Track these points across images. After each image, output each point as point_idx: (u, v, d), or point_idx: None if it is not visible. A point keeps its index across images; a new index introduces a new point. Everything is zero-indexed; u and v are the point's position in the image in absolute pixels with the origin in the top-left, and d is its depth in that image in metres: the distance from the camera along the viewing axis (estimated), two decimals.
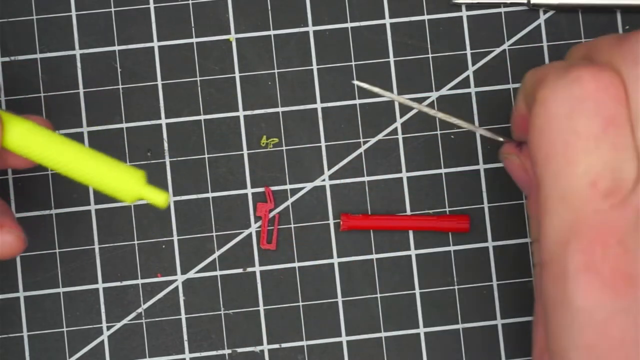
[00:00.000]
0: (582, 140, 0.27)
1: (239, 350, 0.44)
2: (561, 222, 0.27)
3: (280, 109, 0.45)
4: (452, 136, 0.45)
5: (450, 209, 0.45)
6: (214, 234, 0.45)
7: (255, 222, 0.45)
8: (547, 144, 0.27)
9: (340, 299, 0.44)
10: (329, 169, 0.45)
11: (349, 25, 0.45)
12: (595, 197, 0.27)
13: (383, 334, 0.44)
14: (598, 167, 0.27)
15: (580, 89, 0.27)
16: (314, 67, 0.45)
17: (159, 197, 0.27)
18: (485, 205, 0.45)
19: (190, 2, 0.45)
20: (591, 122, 0.27)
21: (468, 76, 0.45)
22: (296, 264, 0.45)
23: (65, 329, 0.44)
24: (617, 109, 0.27)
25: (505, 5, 0.46)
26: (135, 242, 0.44)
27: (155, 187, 0.27)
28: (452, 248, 0.45)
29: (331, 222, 0.45)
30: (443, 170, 0.45)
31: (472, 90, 0.45)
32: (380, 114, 0.45)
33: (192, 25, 0.45)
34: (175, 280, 0.44)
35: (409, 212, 0.45)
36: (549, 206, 0.28)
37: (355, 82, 0.30)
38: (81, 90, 0.45)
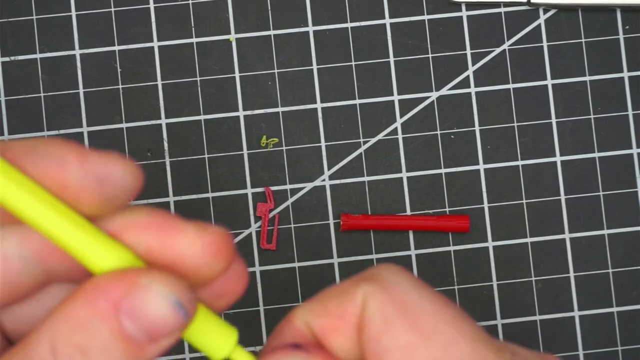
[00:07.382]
0: None
1: None
2: None
3: (280, 109, 0.45)
4: (452, 136, 0.45)
5: (450, 209, 0.45)
6: None
7: (255, 222, 0.45)
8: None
9: None
10: (329, 169, 0.45)
11: (349, 25, 0.45)
12: None
13: None
14: None
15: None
16: (314, 67, 0.45)
17: None
18: (485, 205, 0.45)
19: (190, 2, 0.45)
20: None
21: (468, 76, 0.45)
22: (296, 264, 0.45)
23: None
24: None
25: (505, 4, 0.46)
26: None
27: (244, 350, 0.26)
28: (452, 248, 0.45)
29: (331, 222, 0.45)
30: (443, 170, 0.45)
31: (472, 90, 0.45)
32: (380, 114, 0.45)
33: (192, 25, 0.45)
34: None
35: (409, 212, 0.45)
36: None
37: None
38: (81, 90, 0.45)
